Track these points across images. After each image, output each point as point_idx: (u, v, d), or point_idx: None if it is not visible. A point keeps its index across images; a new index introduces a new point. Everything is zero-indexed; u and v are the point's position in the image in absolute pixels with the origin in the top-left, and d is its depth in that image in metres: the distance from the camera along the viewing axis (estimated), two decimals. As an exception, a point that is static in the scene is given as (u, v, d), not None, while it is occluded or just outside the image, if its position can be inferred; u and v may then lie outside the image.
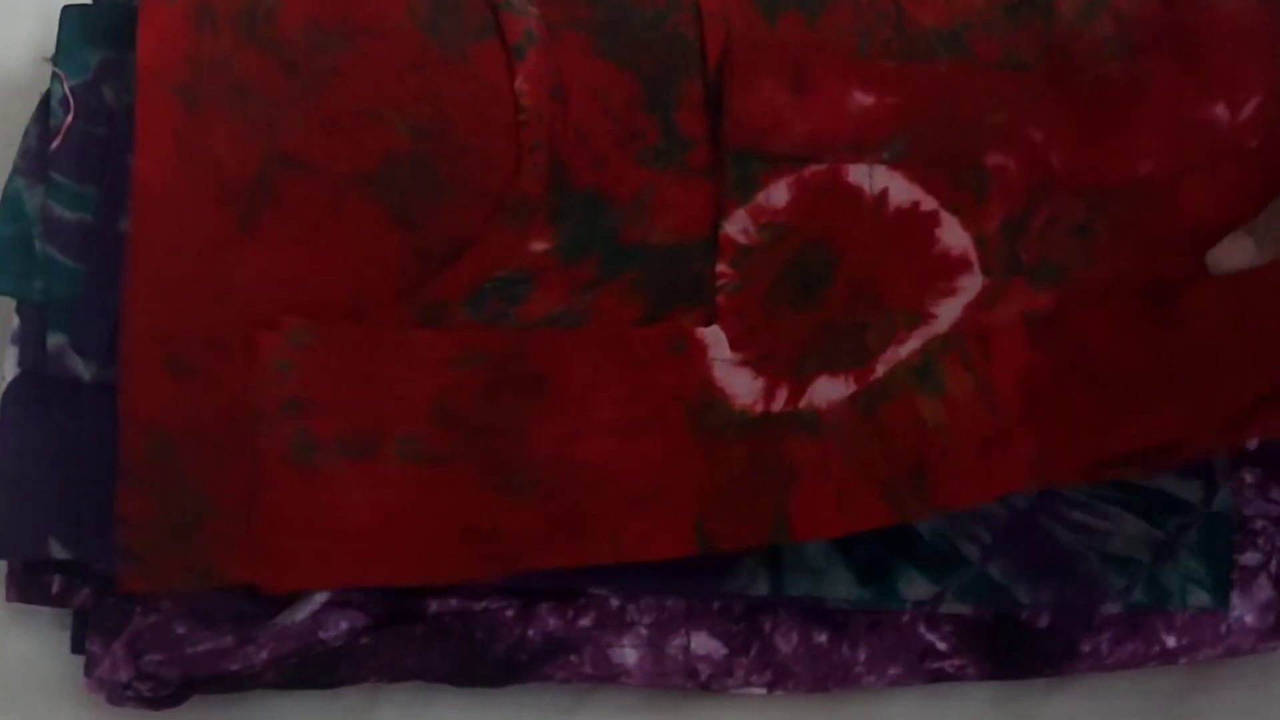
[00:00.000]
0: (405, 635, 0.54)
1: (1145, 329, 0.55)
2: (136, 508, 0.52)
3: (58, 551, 0.53)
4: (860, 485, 0.53)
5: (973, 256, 0.55)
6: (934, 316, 0.55)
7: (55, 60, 0.56)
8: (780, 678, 0.55)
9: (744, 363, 0.54)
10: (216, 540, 0.52)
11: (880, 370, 0.54)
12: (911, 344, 0.54)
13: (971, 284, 0.55)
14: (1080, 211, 0.55)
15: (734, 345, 0.54)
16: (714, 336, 0.54)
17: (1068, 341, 0.55)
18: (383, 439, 0.52)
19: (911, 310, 0.54)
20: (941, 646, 0.55)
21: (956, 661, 0.55)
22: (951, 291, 0.55)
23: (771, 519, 0.53)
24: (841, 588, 0.54)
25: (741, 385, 0.54)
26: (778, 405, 0.54)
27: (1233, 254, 0.54)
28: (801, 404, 0.54)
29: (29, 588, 0.55)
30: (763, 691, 0.55)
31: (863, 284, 0.54)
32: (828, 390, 0.54)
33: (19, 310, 0.55)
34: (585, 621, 0.54)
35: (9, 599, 0.55)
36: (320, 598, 0.53)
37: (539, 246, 0.54)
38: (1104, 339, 0.55)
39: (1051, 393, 0.54)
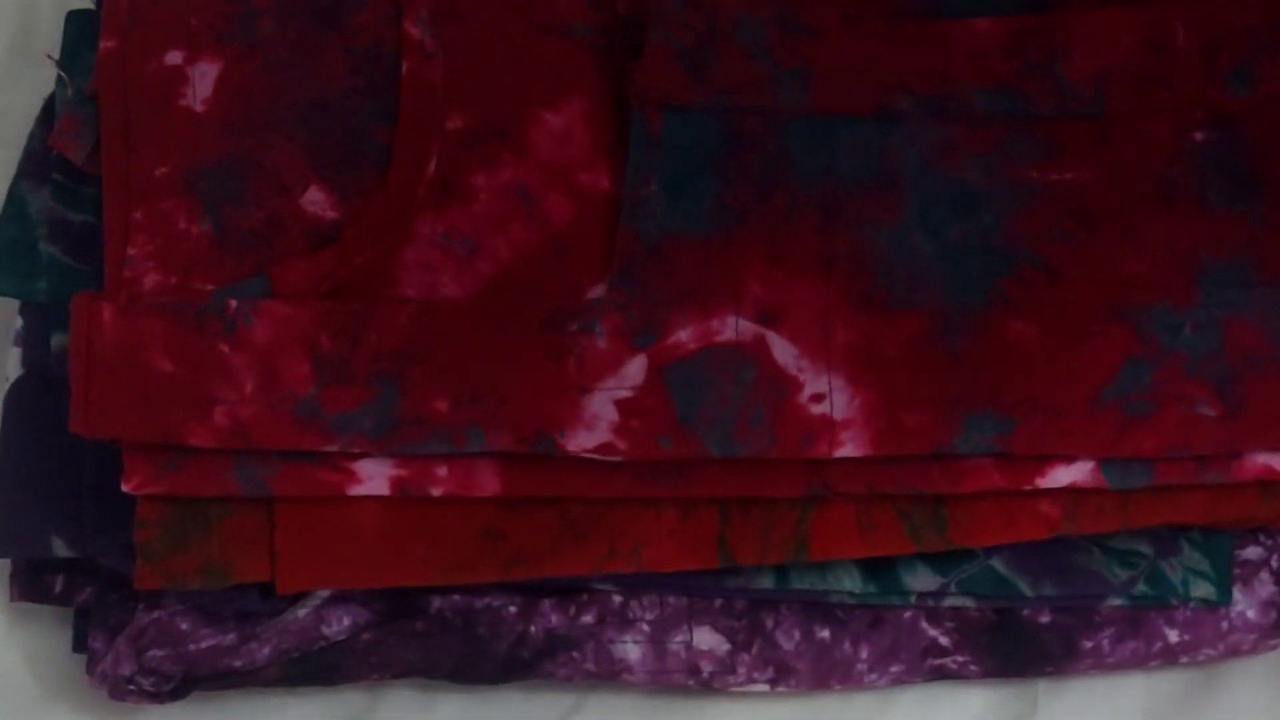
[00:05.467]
0: (407, 632, 0.53)
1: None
2: (152, 507, 0.52)
3: (60, 550, 0.53)
4: (881, 512, 0.53)
5: None
6: None
7: (60, 64, 0.56)
8: (782, 675, 0.55)
9: None
10: (232, 540, 0.52)
11: None
12: None
13: None
14: None
15: None
16: None
17: None
18: None
19: None
20: (944, 642, 0.55)
21: (959, 658, 0.55)
22: None
23: (792, 540, 0.53)
24: (847, 581, 0.54)
25: None
26: None
27: None
28: None
29: (31, 587, 0.55)
30: (765, 688, 0.55)
31: None
32: None
33: (22, 311, 0.56)
34: (588, 618, 0.54)
35: (12, 598, 0.55)
36: (323, 594, 0.53)
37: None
38: None
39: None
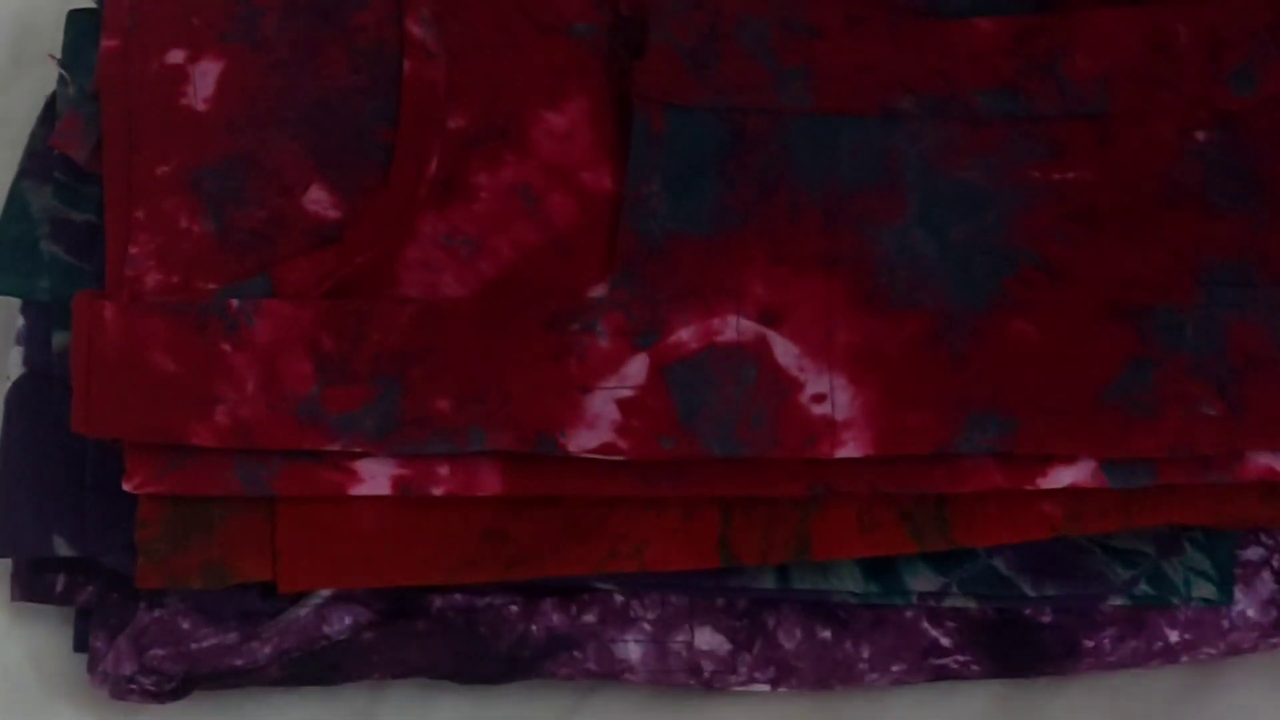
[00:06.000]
0: (408, 631, 0.53)
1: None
2: (153, 506, 0.52)
3: (62, 549, 0.53)
4: (882, 511, 0.53)
5: None
6: None
7: (62, 64, 0.56)
8: (783, 674, 0.55)
9: None
10: (233, 540, 0.52)
11: None
12: None
13: None
14: None
15: None
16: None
17: None
18: None
19: None
20: (945, 643, 0.55)
21: (960, 658, 0.55)
22: None
23: (794, 540, 0.53)
24: (849, 581, 0.54)
25: None
26: None
27: None
28: None
29: (32, 586, 0.55)
30: (766, 688, 0.55)
31: None
32: None
33: (24, 310, 0.56)
34: (589, 617, 0.54)
35: (13, 598, 0.55)
36: (324, 593, 0.53)
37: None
38: None
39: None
